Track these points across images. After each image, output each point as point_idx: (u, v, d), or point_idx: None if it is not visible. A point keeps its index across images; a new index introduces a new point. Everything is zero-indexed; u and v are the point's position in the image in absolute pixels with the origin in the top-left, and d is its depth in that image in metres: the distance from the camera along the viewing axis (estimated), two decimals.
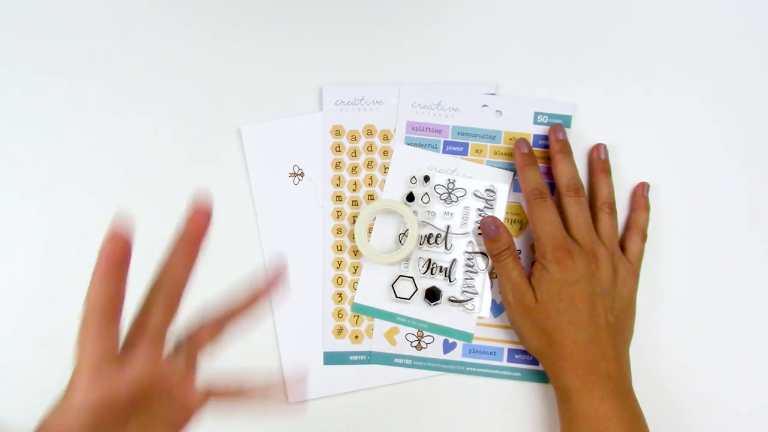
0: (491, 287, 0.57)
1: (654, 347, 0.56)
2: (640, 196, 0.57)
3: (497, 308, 0.57)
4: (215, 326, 0.41)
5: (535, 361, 0.57)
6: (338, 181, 0.58)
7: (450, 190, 0.58)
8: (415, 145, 0.58)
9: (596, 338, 0.50)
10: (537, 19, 0.60)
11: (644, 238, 0.56)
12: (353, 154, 0.59)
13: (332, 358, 0.57)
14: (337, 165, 0.59)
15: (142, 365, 0.36)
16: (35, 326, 0.58)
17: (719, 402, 0.57)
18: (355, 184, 0.59)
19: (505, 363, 0.57)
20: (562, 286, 0.51)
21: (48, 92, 0.59)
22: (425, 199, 0.58)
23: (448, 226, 0.57)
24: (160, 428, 0.38)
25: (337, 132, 0.59)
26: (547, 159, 0.57)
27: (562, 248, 0.51)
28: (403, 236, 0.57)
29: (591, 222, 0.54)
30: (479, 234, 0.56)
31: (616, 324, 0.52)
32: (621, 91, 0.59)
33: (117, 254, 0.35)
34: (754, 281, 0.58)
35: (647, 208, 0.57)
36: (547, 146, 0.57)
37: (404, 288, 0.57)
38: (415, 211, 0.57)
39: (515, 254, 0.54)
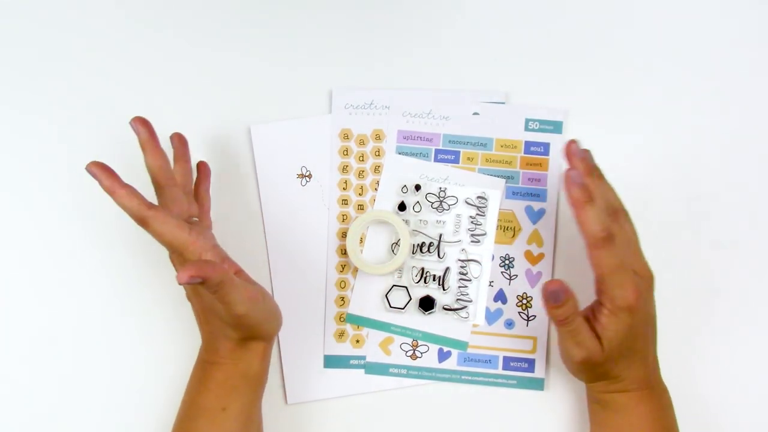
0: (486, 295, 0.57)
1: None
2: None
3: (492, 315, 0.57)
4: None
5: (531, 368, 0.57)
6: (345, 185, 0.59)
7: (441, 199, 0.57)
8: (406, 154, 0.58)
9: (648, 358, 0.50)
10: (529, 26, 0.59)
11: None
12: (361, 158, 0.59)
13: (332, 362, 0.58)
14: (345, 168, 0.59)
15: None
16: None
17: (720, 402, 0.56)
18: (361, 188, 0.59)
19: (500, 371, 0.57)
20: (629, 328, 0.47)
21: (56, 91, 0.60)
22: (417, 208, 0.57)
23: (441, 235, 0.57)
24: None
25: (345, 135, 0.59)
26: (539, 165, 0.57)
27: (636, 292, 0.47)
28: (395, 246, 0.57)
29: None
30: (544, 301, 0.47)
31: (654, 336, 0.50)
32: (613, 97, 0.59)
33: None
34: (753, 281, 0.57)
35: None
36: (540, 153, 0.57)
37: (398, 297, 0.57)
38: (406, 221, 0.57)
39: (579, 312, 0.47)
